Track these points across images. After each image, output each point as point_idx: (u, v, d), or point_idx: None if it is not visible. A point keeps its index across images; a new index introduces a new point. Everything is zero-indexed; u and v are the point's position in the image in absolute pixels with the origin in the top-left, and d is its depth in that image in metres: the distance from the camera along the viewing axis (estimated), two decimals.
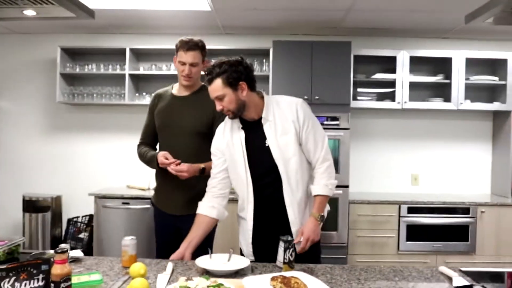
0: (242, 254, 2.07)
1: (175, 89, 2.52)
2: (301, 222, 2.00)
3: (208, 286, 1.32)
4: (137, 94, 4.41)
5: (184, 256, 1.97)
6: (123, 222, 3.96)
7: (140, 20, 4.15)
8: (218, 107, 1.96)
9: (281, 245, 1.72)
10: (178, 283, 1.36)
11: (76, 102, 4.41)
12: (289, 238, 1.74)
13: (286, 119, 1.99)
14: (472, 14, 1.94)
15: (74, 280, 1.41)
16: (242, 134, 2.03)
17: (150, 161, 2.45)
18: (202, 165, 2.32)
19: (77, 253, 1.92)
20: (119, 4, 3.63)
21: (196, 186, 2.34)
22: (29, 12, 1.73)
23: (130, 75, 4.30)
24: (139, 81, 4.54)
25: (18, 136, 4.67)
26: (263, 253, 2.00)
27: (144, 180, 4.34)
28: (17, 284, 1.28)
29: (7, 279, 1.28)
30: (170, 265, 1.77)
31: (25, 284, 1.30)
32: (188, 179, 2.31)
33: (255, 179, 2.03)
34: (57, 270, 1.32)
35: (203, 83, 2.48)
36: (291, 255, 1.71)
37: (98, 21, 4.07)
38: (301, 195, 2.01)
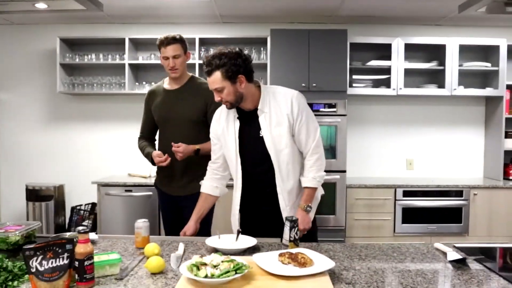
0: None
1: (167, 84, 2.70)
2: (291, 209, 2.12)
3: (222, 261, 1.42)
4: (136, 83, 4.48)
5: (196, 227, 2.18)
6: (126, 209, 4.06)
7: (139, 10, 4.19)
8: (217, 98, 2.02)
9: (287, 225, 1.83)
10: (193, 259, 1.45)
11: (76, 92, 4.46)
12: (294, 218, 1.85)
13: (280, 111, 2.05)
14: (465, 3, 2.02)
15: (95, 259, 1.50)
16: (237, 124, 2.12)
17: (146, 157, 2.72)
18: (197, 146, 2.52)
19: (92, 235, 2.01)
20: None
21: (192, 169, 2.59)
22: (41, 5, 1.79)
23: (130, 64, 4.35)
24: (139, 71, 4.60)
25: (20, 127, 4.72)
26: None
27: (146, 168, 4.43)
28: (44, 262, 1.37)
29: (35, 258, 1.37)
30: (181, 245, 1.86)
31: (52, 262, 1.39)
32: (185, 163, 2.54)
33: (248, 167, 2.15)
34: (80, 249, 1.42)
35: (191, 74, 2.71)
36: (296, 233, 1.82)
37: (97, 12, 4.11)
38: (292, 184, 2.12)
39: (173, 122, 2.60)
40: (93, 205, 4.48)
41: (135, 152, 4.54)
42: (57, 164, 4.72)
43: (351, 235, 4.05)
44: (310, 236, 2.13)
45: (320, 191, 2.24)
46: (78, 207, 4.53)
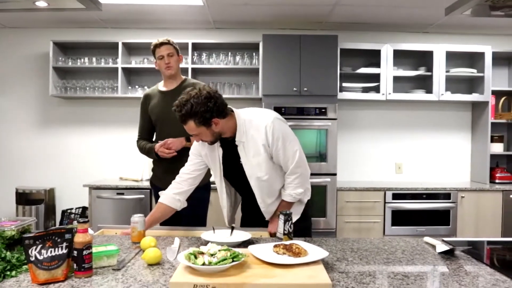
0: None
1: (162, 86, 2.88)
2: (272, 212, 2.23)
3: (219, 250, 1.45)
4: (129, 87, 4.50)
5: None
6: (118, 212, 4.06)
7: (132, 15, 4.23)
8: (196, 139, 2.08)
9: (281, 218, 1.87)
10: (191, 249, 1.49)
11: (69, 95, 4.47)
12: (288, 212, 1.90)
13: (256, 142, 2.07)
14: (451, 6, 2.10)
15: (92, 250, 1.52)
16: (220, 152, 2.16)
17: (149, 152, 2.81)
18: (184, 137, 2.66)
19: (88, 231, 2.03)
20: None
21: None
22: (41, 3, 1.83)
23: (123, 68, 4.38)
24: (131, 75, 4.63)
25: (11, 130, 4.71)
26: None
27: (137, 171, 4.44)
28: (43, 251, 1.40)
29: (34, 247, 1.39)
30: (177, 240, 1.89)
31: (51, 251, 1.41)
32: (184, 157, 2.47)
33: (233, 186, 2.31)
34: (79, 238, 1.44)
35: (185, 77, 2.90)
36: (290, 227, 1.87)
37: (90, 15, 4.16)
38: (273, 200, 2.19)
39: (170, 122, 2.64)
40: (84, 208, 4.47)
41: (127, 155, 4.62)
42: (48, 168, 4.71)
43: (341, 237, 4.09)
44: (304, 231, 2.17)
45: (307, 197, 2.27)
46: (69, 211, 4.51)
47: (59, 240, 1.43)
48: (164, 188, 2.59)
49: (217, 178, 2.24)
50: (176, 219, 2.37)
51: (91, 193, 4.08)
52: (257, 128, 2.07)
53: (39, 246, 1.40)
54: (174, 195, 2.20)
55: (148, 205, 4.00)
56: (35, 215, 4.38)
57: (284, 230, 1.86)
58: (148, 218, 2.12)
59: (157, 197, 2.74)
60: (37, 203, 4.40)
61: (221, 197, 2.29)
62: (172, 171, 2.62)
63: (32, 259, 1.38)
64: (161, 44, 2.77)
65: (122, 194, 4.07)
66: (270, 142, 2.05)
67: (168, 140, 2.66)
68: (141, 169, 4.41)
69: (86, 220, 1.47)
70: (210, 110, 1.93)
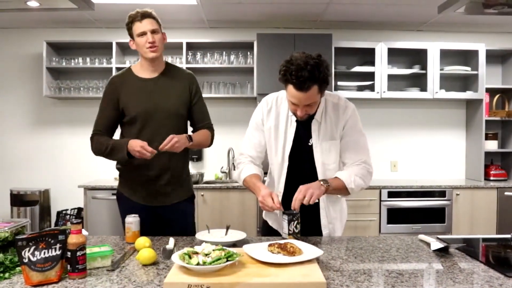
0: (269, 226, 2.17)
1: (138, 71, 2.26)
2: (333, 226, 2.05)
3: (213, 250, 1.45)
4: None
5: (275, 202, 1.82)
6: (113, 212, 4.02)
7: (126, 14, 4.16)
8: (300, 113, 1.81)
9: (285, 218, 1.82)
10: (185, 249, 1.48)
11: (63, 96, 4.45)
12: (294, 212, 1.81)
13: (334, 126, 1.92)
14: (444, 4, 2.11)
15: (86, 251, 1.51)
16: (293, 126, 1.95)
17: (113, 151, 2.18)
18: (186, 135, 2.19)
19: (82, 232, 2.02)
20: None
21: (178, 169, 2.30)
22: (33, 4, 1.81)
23: (117, 68, 4.36)
24: None
25: (5, 131, 4.68)
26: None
27: None
28: (36, 253, 1.39)
29: (27, 248, 1.38)
30: (172, 240, 1.88)
31: (44, 253, 1.40)
32: (167, 161, 2.22)
33: (292, 172, 2.00)
34: (73, 239, 1.43)
35: (165, 60, 2.34)
36: (295, 227, 1.82)
37: (84, 15, 4.14)
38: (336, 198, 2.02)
39: (152, 116, 2.19)
40: (79, 209, 4.45)
41: None
42: (43, 169, 4.69)
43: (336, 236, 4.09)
44: (314, 228, 2.05)
45: (349, 194, 1.97)
46: (64, 212, 4.50)
47: (52, 241, 1.42)
48: (142, 204, 2.26)
49: (278, 157, 1.99)
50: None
51: (86, 193, 4.06)
52: (340, 108, 1.92)
53: (32, 248, 1.39)
54: (257, 169, 2.03)
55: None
56: (30, 217, 4.36)
57: (289, 230, 1.82)
58: (263, 184, 1.93)
59: (124, 212, 2.17)
60: (32, 205, 4.38)
61: (278, 181, 2.02)
62: (152, 183, 2.24)
63: (25, 260, 1.37)
64: (143, 16, 2.16)
65: None
66: (349, 125, 1.93)
67: (174, 136, 2.07)
68: None
69: (80, 221, 1.47)
70: (328, 75, 1.74)
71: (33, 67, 4.60)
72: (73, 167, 4.68)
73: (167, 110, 2.23)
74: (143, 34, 2.17)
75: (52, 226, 4.53)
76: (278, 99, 2.03)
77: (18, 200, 4.40)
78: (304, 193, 1.77)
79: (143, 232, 1.95)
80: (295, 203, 1.77)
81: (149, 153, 2.04)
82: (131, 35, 2.24)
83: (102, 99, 2.28)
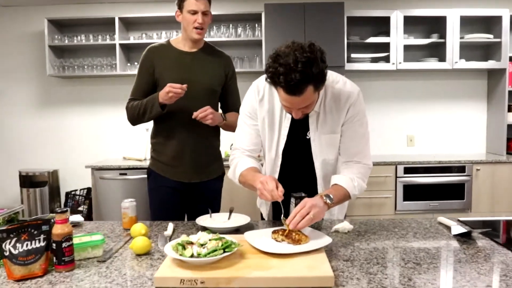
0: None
1: (177, 45, 2.26)
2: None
3: (210, 240, 1.32)
4: (128, 64, 4.34)
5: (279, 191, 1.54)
6: (121, 192, 3.97)
7: None
8: (296, 115, 1.60)
9: (293, 202, 1.63)
10: (180, 239, 1.36)
11: (67, 74, 4.34)
12: (303, 195, 1.61)
13: (335, 116, 1.72)
14: None
15: (76, 240, 1.40)
16: (288, 121, 1.75)
17: (147, 106, 2.15)
18: (221, 113, 2.24)
19: (77, 217, 1.93)
20: None
21: (213, 144, 2.36)
22: None
23: (121, 45, 4.22)
24: (130, 51, 4.46)
25: (10, 112, 4.61)
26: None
27: (141, 151, 4.34)
28: (18, 245, 1.28)
29: (8, 240, 1.27)
30: (171, 225, 1.77)
31: (27, 245, 1.29)
32: (201, 138, 2.25)
33: (286, 168, 1.83)
34: (58, 230, 1.32)
35: (205, 41, 2.33)
36: None
37: None
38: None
39: (189, 89, 2.10)
40: (88, 190, 4.39)
41: (130, 134, 4.49)
42: (50, 149, 4.62)
43: (351, 213, 3.96)
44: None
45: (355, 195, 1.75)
46: (73, 192, 4.45)
47: (35, 232, 1.31)
48: (172, 180, 2.26)
49: (272, 153, 1.81)
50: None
51: (93, 174, 3.99)
52: (342, 97, 1.70)
53: (14, 240, 1.28)
54: (254, 162, 1.80)
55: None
56: (40, 198, 4.33)
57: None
58: (252, 172, 1.72)
59: (161, 190, 2.28)
60: (41, 186, 4.33)
61: (272, 170, 1.87)
62: (186, 157, 2.25)
63: (6, 254, 1.27)
64: None
65: (125, 174, 3.97)
66: (350, 114, 1.72)
67: (210, 107, 2.10)
68: (144, 148, 4.29)
69: (65, 209, 1.35)
70: (325, 73, 1.50)
71: (35, 46, 4.48)
72: (80, 147, 4.60)
73: (202, 83, 2.23)
74: (194, 12, 2.13)
75: (62, 207, 4.49)
76: (271, 86, 1.69)
77: (28, 181, 4.36)
78: (308, 210, 1.47)
79: (171, 210, 2.09)
80: (297, 219, 1.46)
81: (179, 89, 2.04)
82: (180, 6, 2.17)
83: (138, 67, 2.27)
